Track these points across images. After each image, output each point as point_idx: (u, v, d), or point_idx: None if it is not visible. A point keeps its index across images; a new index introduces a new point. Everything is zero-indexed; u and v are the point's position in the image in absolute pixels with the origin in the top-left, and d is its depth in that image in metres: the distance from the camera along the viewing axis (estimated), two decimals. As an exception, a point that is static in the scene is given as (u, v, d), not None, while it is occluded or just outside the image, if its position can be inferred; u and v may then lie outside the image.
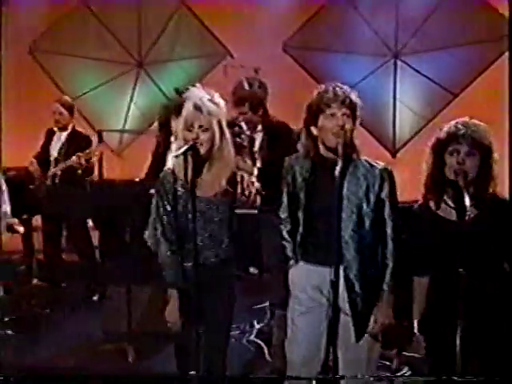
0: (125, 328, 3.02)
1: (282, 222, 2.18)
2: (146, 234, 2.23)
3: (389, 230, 2.07)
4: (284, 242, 2.18)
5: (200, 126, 2.16)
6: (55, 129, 4.60)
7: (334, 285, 1.90)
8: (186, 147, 2.11)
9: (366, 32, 5.93)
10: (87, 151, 4.29)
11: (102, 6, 6.47)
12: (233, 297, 2.27)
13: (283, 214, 2.19)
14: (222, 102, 2.25)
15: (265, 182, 3.27)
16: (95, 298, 3.95)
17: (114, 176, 5.21)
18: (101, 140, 4.70)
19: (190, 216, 2.11)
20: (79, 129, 4.66)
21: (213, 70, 6.22)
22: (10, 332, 3.25)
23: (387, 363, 2.69)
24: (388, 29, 5.93)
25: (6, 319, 3.23)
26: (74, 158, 4.31)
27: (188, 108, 2.17)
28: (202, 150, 2.16)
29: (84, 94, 6.57)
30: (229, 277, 2.25)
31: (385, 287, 2.06)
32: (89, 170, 4.37)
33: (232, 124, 5.09)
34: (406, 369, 2.87)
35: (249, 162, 3.42)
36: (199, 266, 2.11)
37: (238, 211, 4.32)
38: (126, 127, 6.57)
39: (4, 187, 3.09)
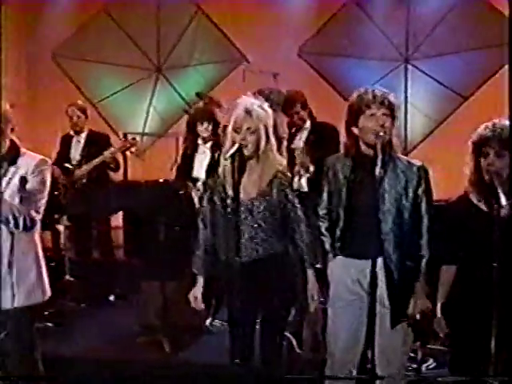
0: (159, 321, 3.17)
1: (320, 219, 2.32)
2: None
3: (425, 223, 2.21)
4: (322, 237, 2.32)
5: (248, 129, 2.31)
6: (71, 133, 4.73)
7: (374, 276, 2.04)
8: (234, 149, 2.26)
9: (378, 37, 6.09)
10: (120, 146, 4.40)
11: (122, 12, 6.66)
12: (285, 292, 2.35)
13: (322, 211, 2.33)
14: (269, 110, 2.41)
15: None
16: (111, 297, 4.10)
17: (134, 177, 5.38)
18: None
19: (232, 214, 2.26)
20: (94, 129, 4.79)
21: (229, 75, 6.41)
22: (49, 324, 3.41)
23: (412, 354, 2.79)
24: (399, 34, 6.09)
25: (46, 313, 3.39)
26: (106, 153, 4.40)
27: (239, 111, 2.33)
28: (247, 152, 2.31)
29: (105, 98, 6.76)
30: (277, 273, 2.34)
31: (421, 277, 2.20)
32: (117, 167, 4.50)
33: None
34: (430, 361, 2.95)
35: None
36: (243, 261, 2.26)
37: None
38: (146, 131, 6.74)
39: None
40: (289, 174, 2.40)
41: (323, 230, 2.32)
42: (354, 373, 2.27)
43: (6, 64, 6.71)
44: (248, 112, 2.32)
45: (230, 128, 2.35)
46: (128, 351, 3.14)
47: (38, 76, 6.96)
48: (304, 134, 3.82)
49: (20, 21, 6.90)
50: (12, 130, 2.39)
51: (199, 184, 3.71)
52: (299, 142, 3.62)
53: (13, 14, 6.72)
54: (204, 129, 3.76)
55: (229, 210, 2.29)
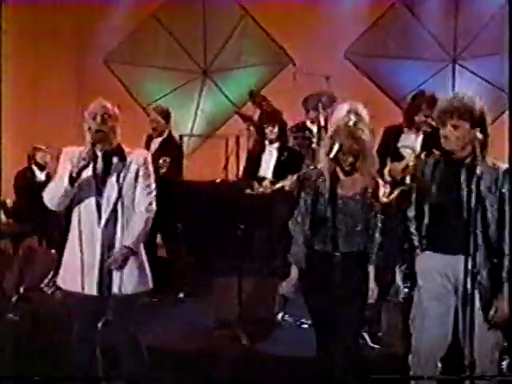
0: (235, 316, 3.31)
1: (409, 219, 2.42)
2: (289, 223, 2.50)
3: (508, 222, 2.29)
4: (412, 236, 2.40)
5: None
6: (153, 135, 4.87)
7: (463, 272, 2.13)
8: (336, 148, 2.37)
9: (426, 38, 6.14)
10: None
11: (170, 17, 6.83)
12: (366, 288, 2.45)
13: (411, 213, 2.42)
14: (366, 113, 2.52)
15: None
16: (181, 295, 4.22)
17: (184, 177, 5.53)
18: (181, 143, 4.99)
19: (329, 210, 2.38)
20: (175, 135, 4.87)
21: (277, 77, 6.53)
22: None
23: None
24: (447, 34, 6.13)
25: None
26: (160, 161, 4.55)
27: (341, 112, 2.45)
28: (349, 152, 2.42)
29: (154, 101, 6.94)
30: (362, 268, 2.46)
31: (504, 275, 2.29)
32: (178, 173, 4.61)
33: (302, 128, 5.38)
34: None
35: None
36: (335, 254, 2.38)
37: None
38: (194, 133, 6.91)
39: None
40: (380, 180, 2.48)
41: (412, 230, 2.41)
42: (440, 367, 2.35)
43: (55, 69, 7.06)
44: (349, 113, 2.43)
45: (332, 129, 2.46)
46: (206, 344, 3.28)
47: (89, 80, 7.19)
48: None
49: (72, 27, 7.15)
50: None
51: (265, 183, 3.84)
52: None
53: (66, 20, 7.00)
54: (271, 131, 3.89)
55: (326, 206, 2.40)
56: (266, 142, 3.95)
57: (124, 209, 2.47)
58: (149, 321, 3.35)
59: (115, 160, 2.48)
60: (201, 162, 6.36)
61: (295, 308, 3.67)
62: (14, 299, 3.25)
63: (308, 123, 5.79)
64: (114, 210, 2.45)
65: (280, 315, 3.54)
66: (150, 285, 2.56)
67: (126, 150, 2.54)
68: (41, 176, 5.15)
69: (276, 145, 3.93)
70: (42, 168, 5.26)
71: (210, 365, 3.07)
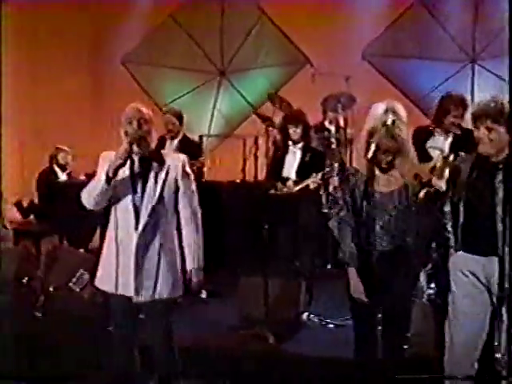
0: (261, 315, 3.33)
1: (445, 217, 2.43)
2: (330, 223, 2.51)
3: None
4: (447, 234, 2.43)
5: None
6: (166, 136, 4.91)
7: (498, 274, 2.14)
8: (374, 149, 2.38)
9: (444, 38, 6.13)
10: (201, 159, 4.53)
11: (187, 17, 6.87)
12: (410, 284, 2.46)
13: (447, 209, 2.43)
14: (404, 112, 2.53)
15: None
16: (203, 294, 4.26)
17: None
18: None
19: (366, 208, 2.39)
20: (189, 135, 4.95)
21: (294, 78, 6.55)
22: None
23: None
24: (465, 34, 6.11)
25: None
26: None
27: (379, 111, 2.45)
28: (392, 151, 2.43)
29: (171, 102, 6.98)
30: (405, 264, 2.45)
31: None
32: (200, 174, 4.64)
33: (321, 128, 5.39)
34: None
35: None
36: (373, 252, 2.39)
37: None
38: (211, 133, 6.94)
39: None
40: (417, 181, 2.48)
41: (449, 227, 2.42)
42: (476, 366, 2.35)
43: (70, 70, 7.12)
44: (387, 112, 2.44)
45: (368, 128, 2.46)
46: (231, 343, 3.30)
47: (104, 81, 7.25)
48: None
49: (88, 27, 7.21)
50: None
51: (289, 183, 3.85)
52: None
53: (83, 20, 7.06)
54: (294, 132, 3.91)
55: (363, 203, 2.41)
56: (290, 143, 3.97)
57: (163, 214, 2.48)
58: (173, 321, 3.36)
59: (153, 164, 2.49)
60: (217, 163, 6.40)
61: (320, 308, 3.72)
62: (41, 298, 3.29)
63: (326, 123, 5.81)
64: (152, 216, 2.46)
65: (305, 315, 3.56)
66: (181, 291, 2.57)
67: (164, 153, 2.56)
68: (62, 176, 5.21)
69: (300, 145, 3.94)
70: (63, 168, 5.32)
71: (237, 364, 3.10)
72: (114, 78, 7.14)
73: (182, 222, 2.50)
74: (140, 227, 2.45)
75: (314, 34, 6.35)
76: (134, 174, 2.48)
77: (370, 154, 2.39)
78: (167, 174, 2.48)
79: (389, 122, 2.41)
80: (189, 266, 2.51)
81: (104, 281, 2.54)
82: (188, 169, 2.55)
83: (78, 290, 3.26)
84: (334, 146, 5.44)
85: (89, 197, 2.50)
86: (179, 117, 4.59)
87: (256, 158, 5.87)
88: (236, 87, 6.94)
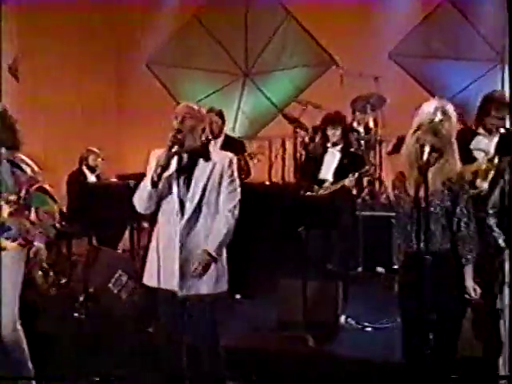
0: (300, 318, 3.34)
1: (491, 216, 2.41)
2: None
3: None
4: (494, 234, 2.42)
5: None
6: (209, 137, 4.89)
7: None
8: (428, 149, 2.37)
9: (474, 37, 6.09)
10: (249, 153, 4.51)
11: (212, 18, 6.91)
12: (456, 288, 2.43)
13: (492, 209, 2.42)
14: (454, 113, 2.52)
15: None
16: (238, 296, 4.18)
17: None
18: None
19: (413, 209, 2.38)
20: (231, 134, 4.87)
21: (320, 79, 6.56)
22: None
23: None
24: (495, 33, 6.06)
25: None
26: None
27: (428, 109, 2.44)
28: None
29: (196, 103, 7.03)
30: (453, 266, 2.45)
31: None
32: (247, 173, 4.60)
33: (349, 130, 5.36)
34: None
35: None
36: (422, 253, 2.37)
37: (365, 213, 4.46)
38: (235, 134, 6.97)
39: None
40: (463, 178, 2.46)
41: (495, 227, 2.41)
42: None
43: (95, 72, 7.18)
44: (437, 110, 2.43)
45: (414, 126, 2.45)
46: (270, 344, 3.31)
47: (130, 83, 7.32)
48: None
49: (112, 29, 7.29)
50: (204, 130, 2.57)
51: (326, 185, 3.85)
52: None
53: (106, 22, 7.14)
54: (333, 133, 3.91)
55: (410, 204, 2.40)
56: (329, 145, 3.96)
57: (206, 210, 2.51)
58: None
59: (200, 160, 2.52)
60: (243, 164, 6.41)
61: (357, 311, 3.71)
62: (81, 298, 3.33)
63: (355, 124, 5.81)
64: (196, 211, 2.49)
65: (343, 318, 3.55)
66: (225, 286, 2.57)
67: (211, 150, 2.59)
68: (91, 178, 5.27)
69: (338, 147, 3.93)
70: (92, 170, 5.38)
71: (277, 365, 3.10)
72: (139, 79, 7.23)
73: (218, 217, 2.52)
74: (184, 221, 2.48)
75: (339, 34, 6.37)
76: (180, 170, 2.51)
77: (424, 157, 2.35)
78: (212, 170, 2.50)
79: (436, 119, 2.39)
80: (205, 246, 2.48)
81: (149, 276, 2.57)
82: (234, 167, 2.57)
83: (116, 291, 3.30)
84: (363, 148, 5.46)
85: (139, 200, 2.54)
86: (221, 116, 4.56)
87: (284, 160, 5.94)
88: (260, 88, 6.97)
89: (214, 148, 4.05)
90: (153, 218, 2.67)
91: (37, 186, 2.63)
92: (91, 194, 4.91)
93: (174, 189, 2.52)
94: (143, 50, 7.14)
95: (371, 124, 5.35)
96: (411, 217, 2.39)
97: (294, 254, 3.56)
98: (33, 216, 2.63)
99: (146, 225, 4.68)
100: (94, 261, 3.42)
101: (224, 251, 2.57)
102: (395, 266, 3.99)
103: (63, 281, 3.05)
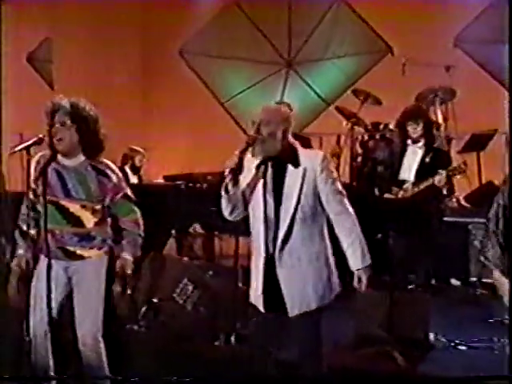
0: (384, 332, 3.34)
1: None
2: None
3: None
4: None
5: None
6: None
7: None
8: None
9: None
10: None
11: (254, 5, 6.95)
12: None
13: None
14: None
15: None
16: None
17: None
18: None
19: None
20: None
21: (373, 68, 6.58)
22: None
23: None
24: None
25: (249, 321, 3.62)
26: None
27: None
28: None
29: (234, 96, 7.09)
30: None
31: None
32: None
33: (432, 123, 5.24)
34: None
35: None
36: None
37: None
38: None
39: None
40: None
41: None
42: None
43: (118, 61, 7.24)
44: None
45: None
46: (353, 360, 3.30)
47: (158, 73, 7.38)
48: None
49: (138, 16, 7.38)
50: (285, 132, 2.52)
51: (407, 186, 3.86)
52: None
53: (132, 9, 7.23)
54: (414, 129, 3.91)
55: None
56: (409, 142, 3.96)
57: (302, 220, 2.49)
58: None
59: (288, 167, 2.48)
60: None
61: (443, 327, 3.70)
62: (143, 310, 3.37)
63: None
64: (291, 223, 2.48)
65: (432, 335, 3.55)
66: (332, 296, 2.57)
67: (300, 151, 2.53)
68: (133, 179, 5.31)
69: (420, 144, 3.93)
70: (136, 171, 5.44)
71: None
72: (168, 69, 7.29)
73: (335, 224, 2.52)
74: (279, 238, 2.48)
75: (396, 19, 6.37)
76: (266, 181, 2.50)
77: None
78: (304, 177, 2.46)
79: None
80: (354, 266, 2.51)
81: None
82: (330, 166, 2.54)
83: (181, 301, 3.34)
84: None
85: (225, 202, 2.55)
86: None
87: (339, 158, 5.93)
88: (305, 80, 7.00)
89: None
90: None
91: (122, 193, 2.67)
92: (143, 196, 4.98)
93: (260, 202, 2.51)
94: (170, 40, 7.17)
95: (440, 119, 5.33)
96: None
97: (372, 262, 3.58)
98: (120, 224, 2.67)
99: (198, 229, 4.76)
100: (160, 269, 3.47)
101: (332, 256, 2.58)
102: (473, 279, 3.99)
103: (129, 292, 3.09)
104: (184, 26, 7.19)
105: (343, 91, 6.65)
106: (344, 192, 2.55)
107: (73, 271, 2.67)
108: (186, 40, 7.16)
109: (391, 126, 5.15)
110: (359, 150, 5.55)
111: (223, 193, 2.50)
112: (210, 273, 3.63)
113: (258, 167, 2.52)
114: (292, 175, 2.50)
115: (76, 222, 2.63)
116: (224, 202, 2.53)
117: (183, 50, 7.18)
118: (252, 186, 2.54)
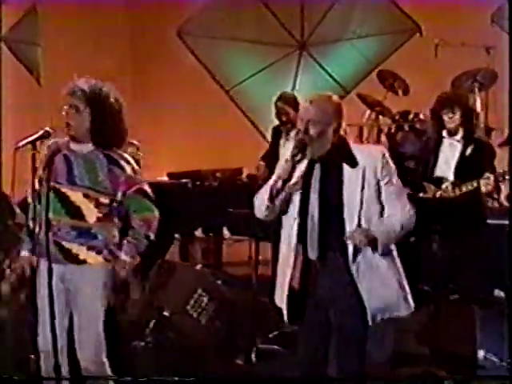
0: (425, 348, 3.19)
1: None
2: None
3: None
4: None
5: None
6: (281, 128, 4.76)
7: None
8: None
9: None
10: None
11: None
12: None
13: None
14: None
15: None
16: None
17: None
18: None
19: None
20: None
21: (399, 50, 6.38)
22: (276, 347, 3.49)
23: None
24: None
25: (270, 335, 3.50)
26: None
27: None
28: None
29: (241, 82, 6.89)
30: None
31: None
32: None
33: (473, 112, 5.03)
34: None
35: None
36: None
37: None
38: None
39: None
40: None
41: None
42: None
43: (108, 45, 7.07)
44: None
45: None
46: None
47: (151, 57, 7.18)
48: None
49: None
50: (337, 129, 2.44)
51: (447, 185, 3.65)
52: None
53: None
54: (451, 118, 3.70)
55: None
56: (444, 133, 3.75)
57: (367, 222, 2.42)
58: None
59: (345, 168, 2.39)
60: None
61: (492, 344, 3.54)
62: (152, 323, 3.19)
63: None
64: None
65: (481, 353, 3.38)
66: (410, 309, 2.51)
67: (355, 148, 2.45)
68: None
69: (458, 136, 3.70)
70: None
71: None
72: (165, 52, 7.09)
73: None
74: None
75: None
76: (312, 186, 2.44)
77: None
78: (363, 180, 2.39)
79: None
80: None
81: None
82: (392, 164, 2.44)
83: (195, 315, 3.16)
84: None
85: (257, 207, 2.52)
86: (294, 103, 4.44)
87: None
88: (321, 63, 6.78)
89: (285, 147, 4.01)
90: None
91: (136, 187, 2.53)
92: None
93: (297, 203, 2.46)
94: (171, 17, 6.97)
95: (478, 107, 5.13)
96: None
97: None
98: (132, 224, 2.54)
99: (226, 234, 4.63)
100: (169, 278, 3.29)
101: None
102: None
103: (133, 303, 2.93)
104: (181, 4, 6.97)
105: (364, 76, 6.46)
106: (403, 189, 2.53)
107: (69, 281, 2.51)
108: (186, 19, 6.92)
109: (422, 116, 5.02)
110: (386, 144, 5.39)
111: (267, 201, 2.46)
112: (219, 282, 3.60)
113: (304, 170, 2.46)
114: (350, 177, 2.42)
115: (76, 213, 2.49)
116: (264, 207, 2.50)
117: (182, 30, 6.92)
118: (296, 189, 2.48)
